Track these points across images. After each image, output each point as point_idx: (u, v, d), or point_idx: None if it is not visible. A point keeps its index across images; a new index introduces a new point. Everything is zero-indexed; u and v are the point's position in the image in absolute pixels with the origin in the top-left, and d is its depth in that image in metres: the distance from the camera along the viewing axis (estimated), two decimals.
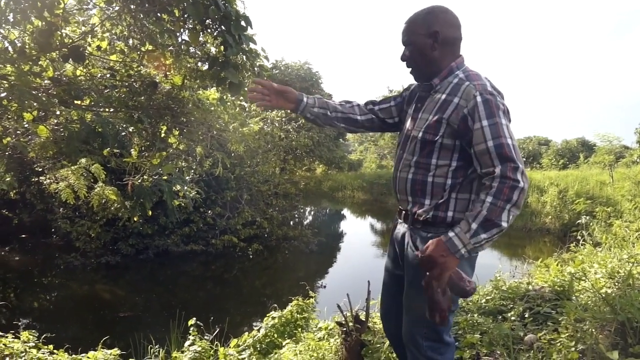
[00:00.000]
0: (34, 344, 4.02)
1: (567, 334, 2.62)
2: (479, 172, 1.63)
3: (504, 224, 1.53)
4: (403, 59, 1.84)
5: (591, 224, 6.95)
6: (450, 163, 1.71)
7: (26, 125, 3.84)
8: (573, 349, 2.42)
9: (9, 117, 3.76)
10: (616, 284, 3.21)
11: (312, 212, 24.91)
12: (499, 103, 1.61)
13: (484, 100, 1.61)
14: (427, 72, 1.81)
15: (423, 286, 1.64)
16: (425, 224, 1.77)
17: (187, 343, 4.24)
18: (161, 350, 4.39)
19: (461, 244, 1.55)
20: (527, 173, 1.56)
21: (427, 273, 1.61)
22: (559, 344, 2.54)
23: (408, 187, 1.80)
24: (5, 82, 3.20)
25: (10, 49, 3.31)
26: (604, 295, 2.85)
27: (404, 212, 1.87)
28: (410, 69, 1.86)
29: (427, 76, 1.82)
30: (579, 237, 5.80)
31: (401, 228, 1.91)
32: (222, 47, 3.26)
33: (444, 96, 1.72)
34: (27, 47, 3.32)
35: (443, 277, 1.57)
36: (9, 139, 3.97)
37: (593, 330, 2.50)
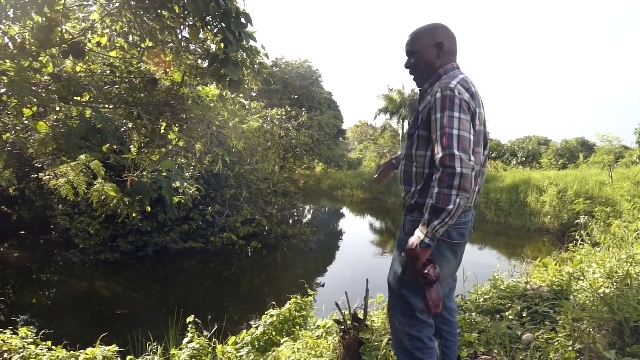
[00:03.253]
0: (32, 340, 4.02)
1: (564, 334, 2.63)
2: None
3: (450, 207, 1.69)
4: (407, 66, 2.08)
5: (590, 224, 6.96)
6: (426, 153, 1.91)
7: (26, 122, 3.84)
8: (570, 348, 2.42)
9: (9, 113, 3.75)
10: (614, 284, 3.21)
11: (312, 211, 24.94)
12: (456, 98, 1.79)
13: (442, 96, 1.80)
14: (429, 78, 2.03)
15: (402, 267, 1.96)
16: (410, 209, 1.98)
17: (185, 340, 4.24)
18: (159, 347, 4.39)
19: (422, 235, 1.75)
20: (466, 159, 1.70)
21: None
22: (556, 344, 2.55)
23: (401, 177, 2.05)
24: (5, 78, 3.19)
25: (10, 45, 3.30)
26: (602, 295, 2.85)
27: (403, 201, 2.10)
28: (412, 75, 2.09)
29: (426, 81, 2.04)
30: (578, 237, 5.81)
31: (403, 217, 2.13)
32: (222, 44, 3.24)
33: (428, 97, 1.93)
34: (27, 43, 3.31)
35: (417, 268, 1.78)
36: (8, 135, 3.97)
37: (591, 329, 2.51)
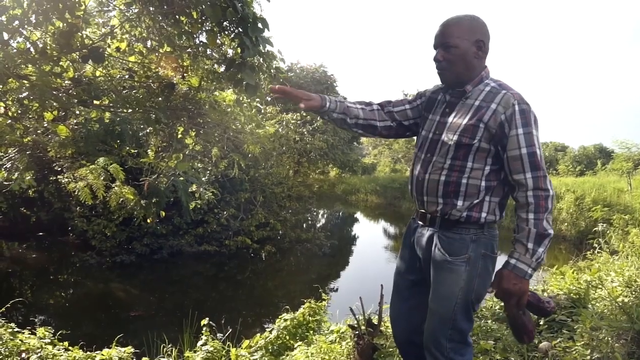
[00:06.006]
0: (49, 341, 4.07)
1: (582, 342, 2.59)
2: (509, 178, 1.75)
3: (551, 231, 1.67)
4: (439, 59, 1.84)
5: (608, 231, 6.86)
6: (485, 167, 1.79)
7: (46, 125, 3.90)
8: (588, 357, 2.39)
9: (30, 116, 3.82)
10: (633, 292, 3.16)
11: (325, 215, 24.91)
12: (532, 113, 1.72)
13: (521, 109, 1.70)
14: (463, 76, 1.83)
15: (447, 294, 1.80)
16: (456, 225, 1.82)
17: (199, 343, 4.26)
18: (174, 349, 4.42)
19: (526, 266, 1.67)
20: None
21: (507, 304, 1.72)
22: (574, 352, 2.52)
23: (440, 188, 1.82)
24: (26, 82, 3.26)
25: (32, 49, 3.36)
26: (620, 304, 2.81)
27: (429, 215, 1.89)
28: (442, 70, 1.87)
29: (460, 80, 1.85)
30: (596, 245, 5.72)
31: (425, 232, 1.93)
32: (239, 49, 3.27)
33: (477, 102, 1.79)
34: (48, 48, 3.37)
35: (522, 302, 1.67)
36: (29, 137, 4.05)
37: (609, 338, 2.47)
